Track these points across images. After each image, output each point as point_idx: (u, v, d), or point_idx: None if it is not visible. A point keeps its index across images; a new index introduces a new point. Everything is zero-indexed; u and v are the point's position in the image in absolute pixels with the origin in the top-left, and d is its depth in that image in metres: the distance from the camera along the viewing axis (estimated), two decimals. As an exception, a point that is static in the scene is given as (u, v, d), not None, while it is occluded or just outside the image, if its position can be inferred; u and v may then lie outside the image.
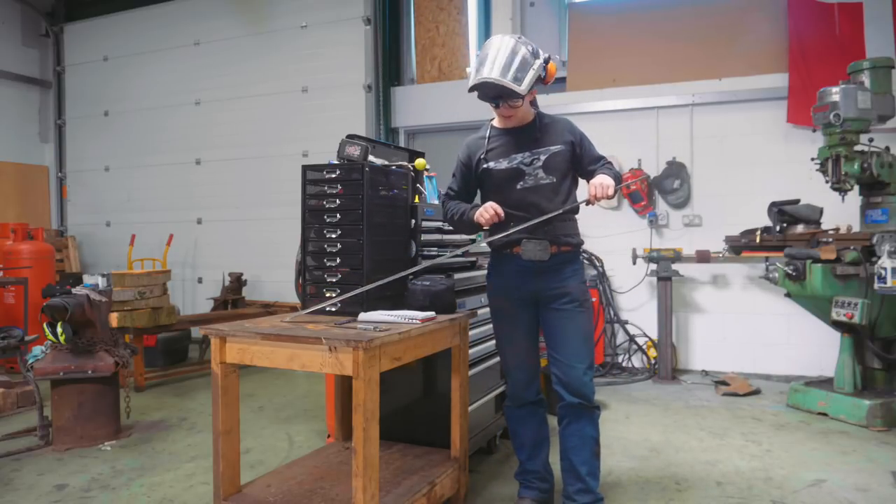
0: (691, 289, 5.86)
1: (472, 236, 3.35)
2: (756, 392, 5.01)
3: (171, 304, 5.63)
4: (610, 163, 2.69)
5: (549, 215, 2.53)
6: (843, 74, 4.55)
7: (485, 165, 2.64)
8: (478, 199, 2.81)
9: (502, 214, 2.53)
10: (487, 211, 2.52)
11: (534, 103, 2.69)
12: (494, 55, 2.42)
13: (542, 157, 2.58)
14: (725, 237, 5.07)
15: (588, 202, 2.52)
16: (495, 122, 2.71)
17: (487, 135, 2.68)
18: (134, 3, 8.24)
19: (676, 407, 4.65)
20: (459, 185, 2.77)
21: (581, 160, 2.65)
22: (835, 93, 4.30)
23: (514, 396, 2.78)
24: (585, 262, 6.01)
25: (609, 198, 2.50)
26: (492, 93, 2.48)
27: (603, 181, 2.48)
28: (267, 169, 7.40)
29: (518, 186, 2.59)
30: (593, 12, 6.37)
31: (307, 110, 7.24)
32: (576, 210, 2.66)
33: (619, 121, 6.05)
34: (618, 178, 2.61)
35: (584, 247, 5.91)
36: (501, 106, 2.53)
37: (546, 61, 2.51)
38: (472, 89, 2.48)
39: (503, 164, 2.61)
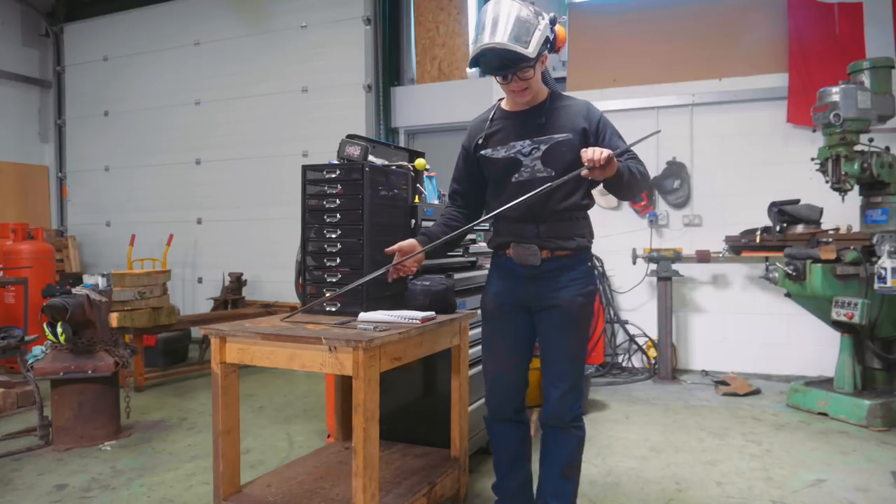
0: (691, 289, 5.86)
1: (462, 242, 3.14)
2: (756, 392, 5.01)
3: (171, 304, 5.63)
4: (636, 158, 2.28)
5: (521, 200, 2.17)
6: (843, 74, 4.55)
7: (482, 152, 2.35)
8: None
9: (407, 269, 2.35)
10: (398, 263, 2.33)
11: (547, 77, 2.39)
12: (494, 19, 2.10)
13: (542, 147, 2.24)
14: (725, 237, 5.08)
15: (588, 170, 2.06)
16: (503, 104, 2.39)
17: (491, 116, 2.37)
18: (134, 3, 8.24)
19: (676, 407, 4.65)
20: (462, 177, 2.47)
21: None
22: (835, 93, 4.30)
23: (490, 409, 2.51)
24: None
25: (603, 164, 2.01)
26: (496, 62, 2.14)
27: (596, 149, 2.04)
28: (267, 169, 7.40)
29: (513, 179, 2.28)
30: (593, 12, 6.36)
31: (307, 110, 7.24)
32: (583, 207, 2.33)
33: (619, 121, 5.87)
34: (644, 176, 2.24)
35: (585, 247, 6.04)
36: (512, 79, 2.19)
37: (553, 21, 2.19)
38: (473, 62, 2.16)
39: (500, 153, 2.30)
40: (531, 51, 2.09)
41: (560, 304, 2.28)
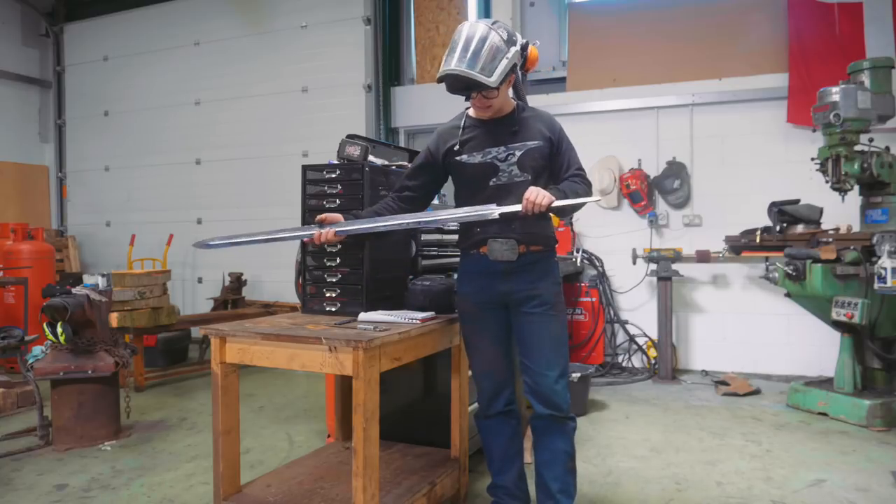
0: (691, 289, 5.86)
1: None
2: (756, 392, 5.01)
3: (171, 304, 5.63)
4: (581, 173, 2.42)
5: (507, 208, 2.26)
6: (843, 74, 4.55)
7: (457, 158, 2.43)
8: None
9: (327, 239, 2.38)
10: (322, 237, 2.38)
11: (519, 90, 2.50)
12: (465, 43, 2.22)
13: (518, 153, 2.38)
14: (725, 237, 5.08)
15: (524, 213, 2.22)
16: (471, 112, 2.49)
17: (462, 125, 2.46)
18: (134, 3, 8.24)
19: (676, 407, 4.65)
20: (416, 176, 2.54)
21: (554, 160, 2.43)
22: (835, 93, 4.30)
23: (482, 406, 2.58)
24: (585, 261, 6.01)
25: (542, 209, 2.18)
26: (460, 85, 2.28)
27: (539, 192, 2.19)
28: (267, 169, 7.40)
29: (491, 183, 2.39)
30: (593, 12, 6.37)
31: (307, 110, 7.24)
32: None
33: (619, 121, 6.05)
34: (584, 193, 2.34)
35: (585, 247, 6.06)
36: (475, 97, 2.34)
37: (524, 47, 2.33)
38: (439, 80, 2.28)
39: (476, 158, 2.41)
40: (494, 80, 2.21)
41: (539, 294, 2.39)
